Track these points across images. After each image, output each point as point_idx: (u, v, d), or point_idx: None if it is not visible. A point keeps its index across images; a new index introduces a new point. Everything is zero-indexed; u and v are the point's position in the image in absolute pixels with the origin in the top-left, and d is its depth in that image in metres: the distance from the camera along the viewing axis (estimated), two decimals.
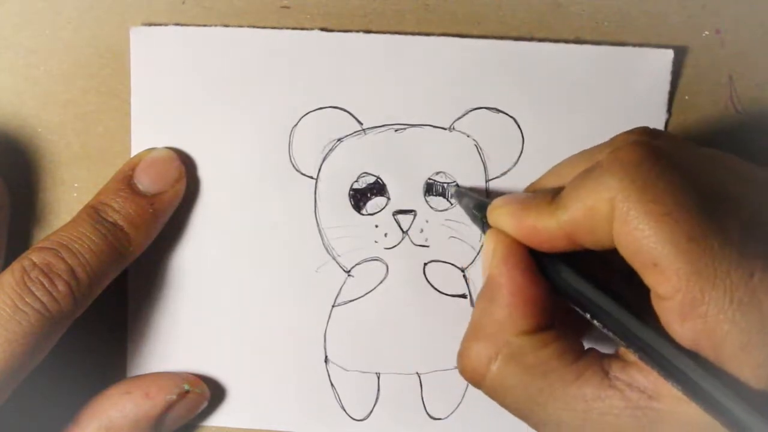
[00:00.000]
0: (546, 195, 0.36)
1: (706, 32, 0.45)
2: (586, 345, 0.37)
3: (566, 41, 0.45)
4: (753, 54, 0.45)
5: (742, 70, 0.45)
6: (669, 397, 0.33)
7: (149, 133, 0.45)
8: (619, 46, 0.45)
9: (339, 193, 0.45)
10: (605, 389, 0.34)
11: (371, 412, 0.46)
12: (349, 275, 0.46)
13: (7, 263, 0.41)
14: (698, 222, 0.31)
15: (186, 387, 0.44)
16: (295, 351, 0.46)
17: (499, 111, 0.45)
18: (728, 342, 0.31)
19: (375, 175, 0.45)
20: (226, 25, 0.45)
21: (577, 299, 0.36)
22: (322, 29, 0.45)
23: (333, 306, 0.46)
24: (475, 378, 0.37)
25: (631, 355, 0.34)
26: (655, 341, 0.33)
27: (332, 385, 0.46)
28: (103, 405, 0.44)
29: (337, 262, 0.46)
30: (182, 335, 0.46)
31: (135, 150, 0.45)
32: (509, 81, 0.45)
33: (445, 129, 0.45)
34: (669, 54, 0.44)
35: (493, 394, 0.37)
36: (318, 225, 0.46)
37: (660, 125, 0.45)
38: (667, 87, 0.45)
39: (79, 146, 0.46)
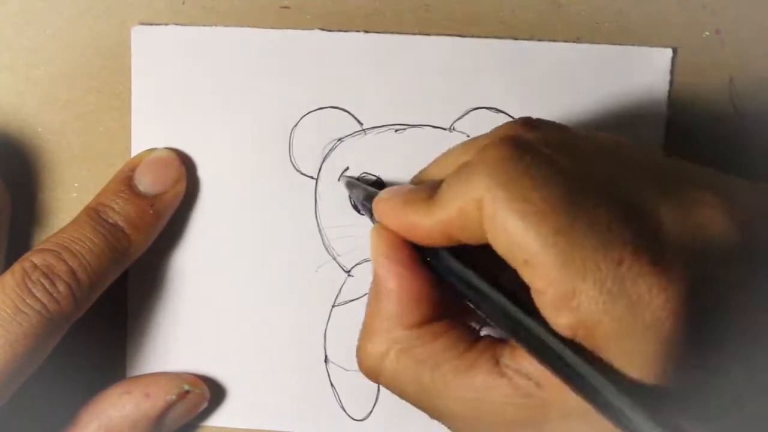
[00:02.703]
0: (425, 190, 0.36)
1: (707, 32, 0.45)
2: (483, 332, 0.37)
3: (566, 41, 0.45)
4: (753, 54, 0.45)
5: (742, 71, 0.45)
6: (553, 385, 0.33)
7: (149, 133, 0.45)
8: (619, 46, 0.45)
9: (339, 193, 0.45)
10: (495, 378, 0.34)
11: (371, 412, 0.46)
12: (349, 275, 0.46)
13: (8, 263, 0.41)
14: (564, 215, 0.31)
15: (186, 387, 0.44)
16: (295, 351, 0.46)
17: (499, 111, 0.45)
18: (601, 331, 0.31)
19: (375, 176, 0.45)
20: (227, 25, 0.45)
21: (459, 287, 0.36)
22: (322, 29, 0.45)
23: (333, 306, 0.46)
24: (371, 375, 0.37)
25: None
26: (533, 327, 0.33)
27: (332, 385, 0.46)
28: (102, 405, 0.44)
29: (337, 262, 0.46)
30: (182, 335, 0.46)
31: (135, 150, 0.45)
32: (509, 81, 0.45)
33: (445, 129, 0.45)
34: (668, 53, 0.44)
35: (391, 388, 0.37)
36: (318, 225, 0.46)
37: (660, 124, 0.45)
38: (666, 86, 0.45)
39: (79, 146, 0.46)
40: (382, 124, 0.45)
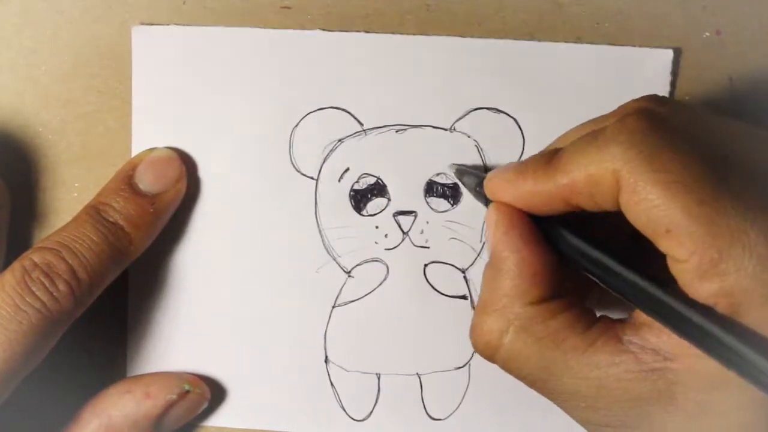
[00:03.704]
0: (542, 157, 0.36)
1: (707, 33, 0.45)
2: (598, 314, 0.37)
3: (567, 41, 0.45)
4: (753, 55, 0.45)
5: (742, 71, 0.45)
6: (686, 356, 0.33)
7: (150, 132, 0.45)
8: (620, 47, 0.45)
9: (339, 193, 0.45)
10: (619, 354, 0.34)
11: (371, 412, 0.46)
12: (349, 276, 0.46)
13: (8, 263, 0.41)
14: (708, 185, 0.31)
15: (186, 387, 0.44)
16: (295, 351, 0.46)
17: (499, 111, 0.45)
18: (749, 296, 0.31)
19: (375, 176, 0.45)
20: (227, 25, 0.45)
21: (583, 264, 0.36)
22: (323, 30, 0.45)
23: (333, 306, 0.46)
24: (488, 352, 0.37)
25: (643, 317, 0.34)
26: (668, 299, 0.33)
27: (332, 385, 0.46)
28: (103, 404, 0.44)
29: (338, 263, 0.46)
30: (182, 335, 0.46)
31: (136, 150, 0.45)
32: (510, 81, 0.45)
33: (445, 130, 0.45)
34: (669, 54, 0.44)
35: (508, 366, 0.37)
36: (318, 225, 0.45)
37: None
38: (667, 87, 0.45)
39: (79, 146, 0.46)
40: (382, 125, 0.45)
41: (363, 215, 0.45)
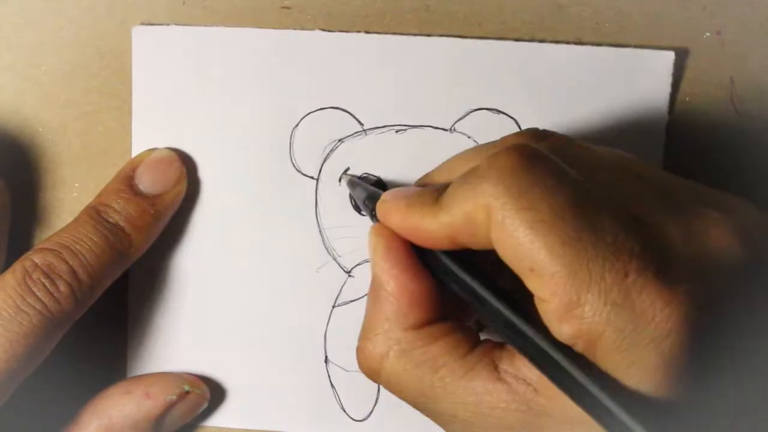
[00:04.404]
0: (431, 193, 0.36)
1: (707, 33, 0.45)
2: (482, 336, 0.37)
3: (567, 42, 0.45)
4: (754, 55, 0.45)
5: (743, 72, 0.45)
6: (552, 392, 0.33)
7: (150, 133, 0.45)
8: (621, 48, 0.45)
9: (340, 193, 0.45)
10: (494, 382, 0.34)
11: (371, 412, 0.46)
12: (349, 276, 0.46)
13: (8, 263, 0.41)
14: (572, 226, 0.31)
15: (186, 387, 0.44)
16: (295, 351, 0.46)
17: (500, 112, 0.45)
18: (603, 342, 0.31)
19: (376, 176, 0.45)
20: (227, 26, 0.45)
21: (456, 289, 0.36)
22: (323, 30, 0.45)
23: (333, 306, 0.46)
24: (371, 375, 0.38)
25: None
26: (533, 335, 0.33)
27: (332, 385, 0.46)
28: (103, 404, 0.44)
29: (338, 263, 0.46)
30: (182, 335, 0.46)
31: (136, 150, 0.45)
32: (510, 82, 0.45)
33: (446, 130, 0.45)
34: (670, 56, 0.44)
35: (389, 388, 0.37)
36: (319, 225, 0.46)
37: (661, 127, 0.45)
38: (668, 89, 0.44)
39: (79, 146, 0.46)
40: (382, 125, 0.45)
41: (363, 215, 0.45)
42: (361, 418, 0.46)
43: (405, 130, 0.45)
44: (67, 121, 0.46)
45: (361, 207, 0.42)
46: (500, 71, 0.45)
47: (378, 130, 0.45)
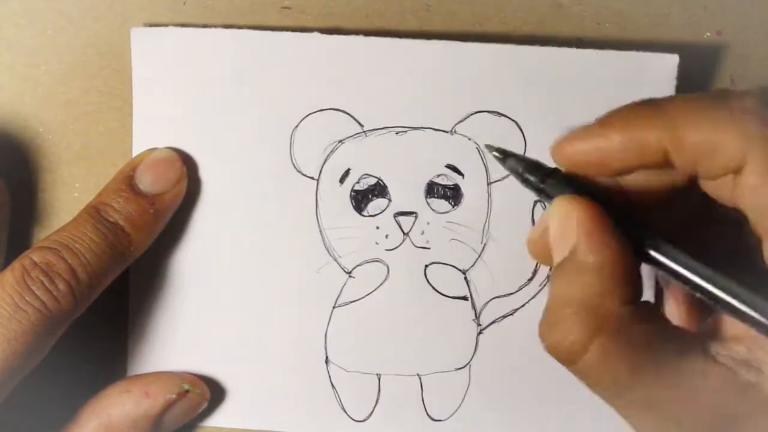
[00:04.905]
0: (643, 105, 0.34)
1: (708, 33, 0.45)
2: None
3: (567, 42, 0.45)
4: (754, 55, 0.45)
5: (743, 72, 0.45)
6: None
7: (150, 133, 0.45)
8: (624, 51, 0.44)
9: (340, 194, 0.45)
10: (710, 365, 0.32)
11: (371, 413, 0.46)
12: (350, 276, 0.46)
13: (8, 263, 0.41)
14: None
15: (186, 387, 0.44)
16: (295, 351, 0.46)
17: (501, 115, 0.45)
18: None
19: (376, 177, 0.45)
20: (227, 26, 0.45)
21: (682, 276, 0.33)
22: (323, 30, 0.45)
23: (334, 307, 0.46)
24: (570, 356, 0.34)
25: (730, 331, 0.33)
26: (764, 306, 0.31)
27: (333, 385, 0.46)
28: (102, 403, 0.43)
29: (338, 263, 0.46)
30: (182, 335, 0.46)
31: (136, 150, 0.45)
32: (512, 85, 0.45)
33: (446, 132, 0.45)
34: (674, 59, 0.44)
35: (589, 372, 0.33)
36: (319, 226, 0.45)
37: None
38: (672, 92, 0.44)
39: (79, 146, 0.46)
40: (383, 126, 0.45)
41: (364, 216, 0.45)
42: (361, 419, 0.46)
43: (405, 131, 0.45)
44: (67, 121, 0.46)
45: (519, 181, 0.38)
46: (502, 74, 0.45)
47: (378, 132, 0.45)
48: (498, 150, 0.39)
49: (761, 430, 0.31)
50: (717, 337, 0.33)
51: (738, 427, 0.32)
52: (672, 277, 0.34)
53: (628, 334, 0.33)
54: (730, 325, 0.34)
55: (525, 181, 0.38)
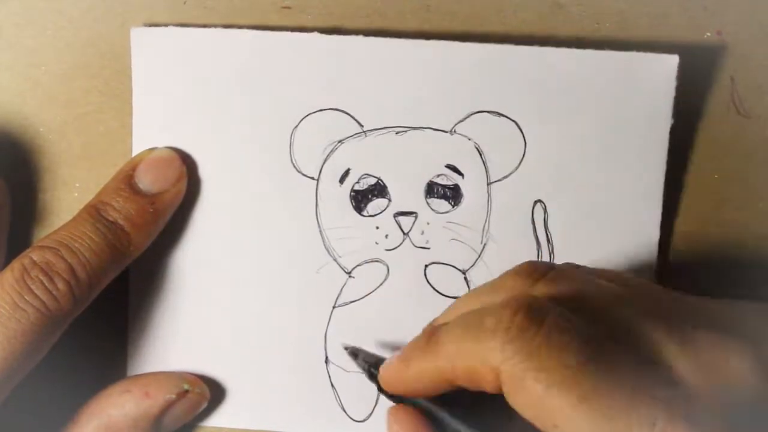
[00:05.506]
0: (420, 338, 0.37)
1: (708, 33, 0.45)
2: None
3: (567, 42, 0.45)
4: (755, 55, 0.45)
5: (743, 72, 0.45)
6: None
7: (150, 133, 0.45)
8: (624, 52, 0.44)
9: (340, 194, 0.45)
10: None
11: (371, 413, 0.46)
12: (349, 276, 0.46)
13: (8, 263, 0.41)
14: (587, 381, 0.31)
15: (186, 387, 0.44)
16: (295, 351, 0.46)
17: (500, 115, 0.45)
18: None
19: (376, 177, 0.45)
20: (227, 26, 0.45)
21: None
22: (324, 30, 0.45)
23: (334, 307, 0.46)
24: None
25: None
26: None
27: (332, 385, 0.46)
28: (102, 403, 0.43)
29: (338, 263, 0.46)
30: (182, 335, 0.46)
31: (136, 150, 0.45)
32: (511, 85, 0.45)
33: (446, 132, 0.45)
34: (674, 60, 0.44)
35: None
36: (319, 226, 0.45)
37: (664, 131, 0.44)
38: (672, 93, 0.44)
39: (80, 146, 0.46)
40: (382, 126, 0.45)
41: (363, 216, 0.45)
42: (361, 419, 0.46)
43: (405, 131, 0.45)
44: (68, 121, 0.46)
45: (367, 376, 0.42)
46: (501, 74, 0.45)
47: (378, 132, 0.45)
48: (351, 349, 0.44)
49: None
50: None
51: None
52: None
53: None
54: None
55: (371, 377, 0.41)
